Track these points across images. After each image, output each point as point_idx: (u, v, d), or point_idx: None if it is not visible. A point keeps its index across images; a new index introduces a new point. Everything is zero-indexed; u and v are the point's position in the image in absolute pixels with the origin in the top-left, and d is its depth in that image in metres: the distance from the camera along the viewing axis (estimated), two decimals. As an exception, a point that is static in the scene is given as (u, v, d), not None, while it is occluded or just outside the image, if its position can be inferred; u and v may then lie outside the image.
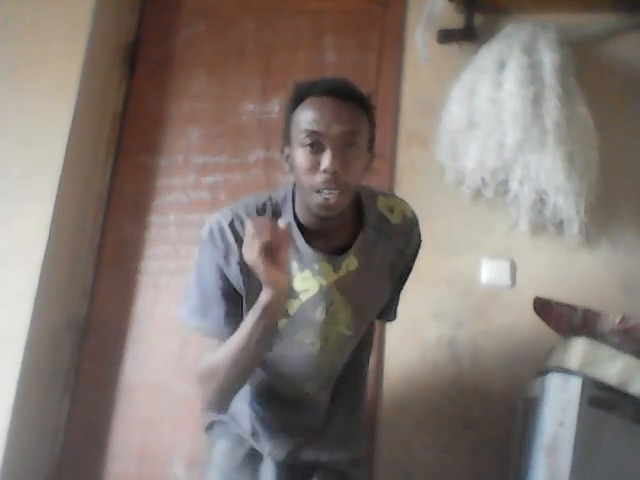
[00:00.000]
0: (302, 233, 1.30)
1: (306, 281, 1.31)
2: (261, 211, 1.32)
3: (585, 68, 1.92)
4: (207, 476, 1.45)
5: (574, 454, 1.36)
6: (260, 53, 2.28)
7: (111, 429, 2.08)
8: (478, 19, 2.06)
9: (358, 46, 2.20)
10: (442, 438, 1.84)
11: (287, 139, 1.27)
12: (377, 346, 1.83)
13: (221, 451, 1.45)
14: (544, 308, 1.59)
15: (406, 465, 1.84)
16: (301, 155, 1.22)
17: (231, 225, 1.29)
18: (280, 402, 1.41)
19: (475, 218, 1.96)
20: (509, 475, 1.64)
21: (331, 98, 1.21)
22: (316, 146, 1.20)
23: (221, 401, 1.31)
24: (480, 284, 1.92)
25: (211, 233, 1.30)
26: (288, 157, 1.28)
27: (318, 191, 1.20)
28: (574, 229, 1.85)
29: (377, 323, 1.65)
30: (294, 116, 1.25)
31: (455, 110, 1.92)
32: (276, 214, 1.32)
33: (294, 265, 1.30)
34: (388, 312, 1.52)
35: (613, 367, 1.41)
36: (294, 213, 1.31)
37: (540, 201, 1.86)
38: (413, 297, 1.65)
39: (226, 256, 1.29)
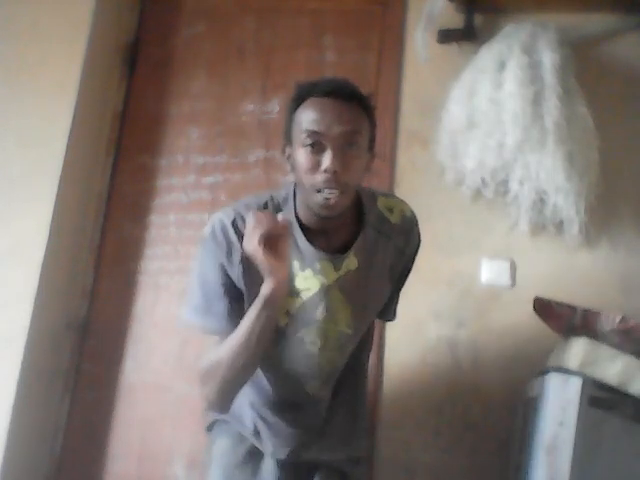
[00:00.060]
0: (303, 232, 1.31)
1: (307, 280, 1.31)
2: (263, 210, 1.32)
3: (585, 68, 1.92)
4: (208, 473, 1.45)
5: (574, 454, 1.37)
6: (260, 53, 2.28)
7: (111, 429, 2.08)
8: (478, 19, 2.06)
9: (358, 46, 2.20)
10: (442, 438, 1.84)
11: (288, 139, 1.28)
12: (377, 346, 1.84)
13: (222, 449, 1.45)
14: (544, 308, 1.59)
15: (406, 465, 1.84)
16: (302, 155, 1.22)
17: (233, 223, 1.30)
18: (281, 401, 1.41)
19: (475, 218, 1.96)
20: (509, 475, 1.64)
21: (332, 99, 1.22)
22: (317, 146, 1.21)
23: (223, 400, 1.31)
24: (480, 284, 1.92)
25: (213, 231, 1.31)
26: (289, 157, 1.29)
27: (319, 191, 1.21)
28: (574, 229, 1.85)
29: (377, 323, 1.65)
30: (295, 116, 1.25)
31: (455, 110, 1.92)
32: (277, 213, 1.32)
33: (295, 264, 1.31)
34: (388, 312, 1.52)
35: (613, 367, 1.41)
36: (295, 212, 1.32)
37: (540, 201, 1.86)
38: (413, 297, 1.66)
39: (228, 254, 1.29)
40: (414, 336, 1.91)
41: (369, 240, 1.35)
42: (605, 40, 2.00)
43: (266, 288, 1.19)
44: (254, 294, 1.23)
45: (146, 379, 2.10)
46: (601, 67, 1.99)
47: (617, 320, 1.46)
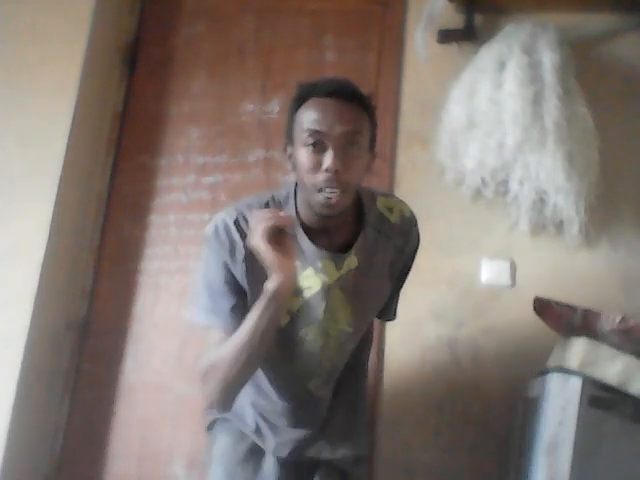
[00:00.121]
0: (304, 231, 1.31)
1: (309, 279, 1.32)
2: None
3: (585, 68, 1.92)
4: (209, 471, 1.46)
5: (574, 454, 1.37)
6: (260, 53, 2.28)
7: (111, 429, 2.08)
8: (478, 19, 2.06)
9: (358, 46, 2.20)
10: (442, 438, 1.84)
11: (290, 138, 1.29)
12: (377, 346, 1.84)
13: (223, 446, 1.46)
14: (544, 308, 1.59)
15: (406, 465, 1.84)
16: (304, 154, 1.23)
17: (236, 222, 1.31)
18: (283, 399, 1.42)
19: (475, 218, 1.96)
20: (509, 475, 1.64)
21: (333, 99, 1.23)
22: (318, 145, 1.22)
23: (225, 398, 1.31)
24: (480, 284, 1.92)
25: (216, 230, 1.31)
26: (291, 156, 1.29)
27: (320, 190, 1.22)
28: (574, 229, 1.85)
29: (377, 323, 1.65)
30: (297, 116, 1.26)
31: (455, 110, 1.92)
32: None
33: (297, 263, 1.30)
34: (388, 311, 1.53)
35: (613, 367, 1.41)
36: (296, 212, 1.32)
37: (540, 201, 1.86)
38: (413, 297, 1.66)
39: (231, 253, 1.30)
40: (414, 336, 1.91)
41: (369, 240, 1.36)
42: (605, 40, 2.01)
43: (272, 283, 1.19)
44: (257, 293, 1.23)
45: (146, 379, 2.10)
46: (601, 67, 1.99)
47: (617, 320, 1.46)
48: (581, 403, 1.38)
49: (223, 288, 1.30)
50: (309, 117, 1.23)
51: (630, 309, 1.71)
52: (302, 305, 1.33)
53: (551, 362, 1.54)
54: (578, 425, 1.37)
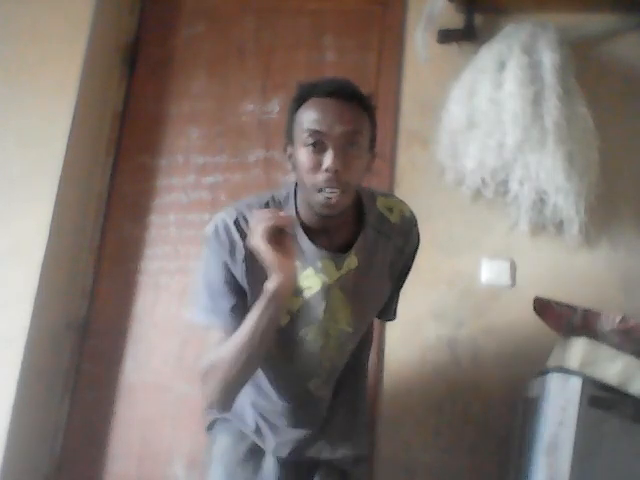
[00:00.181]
0: (304, 231, 1.31)
1: (309, 278, 1.32)
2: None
3: (585, 68, 1.92)
4: (209, 471, 1.46)
5: (574, 454, 1.37)
6: (260, 53, 2.28)
7: (111, 429, 2.08)
8: (478, 19, 2.06)
9: (358, 46, 2.20)
10: (442, 438, 1.84)
11: (290, 138, 1.29)
12: (377, 346, 1.84)
13: (223, 446, 1.46)
14: (544, 308, 1.59)
15: (406, 465, 1.84)
16: (304, 154, 1.23)
17: (236, 222, 1.31)
18: (283, 399, 1.42)
19: (475, 218, 1.96)
20: (509, 475, 1.64)
21: (333, 99, 1.23)
22: (318, 145, 1.22)
23: (225, 398, 1.31)
24: (480, 284, 1.92)
25: (216, 230, 1.32)
26: (291, 156, 1.29)
27: (320, 190, 1.22)
28: (574, 229, 1.85)
29: (377, 323, 1.65)
30: (297, 116, 1.26)
31: (455, 110, 1.92)
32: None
33: (297, 263, 1.30)
34: (388, 311, 1.53)
35: (613, 367, 1.41)
36: (296, 212, 1.32)
37: (540, 201, 1.87)
38: (413, 297, 1.66)
39: (231, 253, 1.30)
40: (414, 336, 1.91)
41: (369, 240, 1.36)
42: (605, 40, 2.01)
43: (272, 283, 1.19)
44: (257, 293, 1.24)
45: (146, 379, 2.10)
46: (601, 67, 1.99)
47: (617, 320, 1.46)
48: (581, 403, 1.38)
49: (223, 288, 1.31)
50: (309, 117, 1.23)
51: (630, 309, 1.71)
52: (302, 305, 1.33)
53: (551, 362, 1.54)
54: (578, 425, 1.37)
